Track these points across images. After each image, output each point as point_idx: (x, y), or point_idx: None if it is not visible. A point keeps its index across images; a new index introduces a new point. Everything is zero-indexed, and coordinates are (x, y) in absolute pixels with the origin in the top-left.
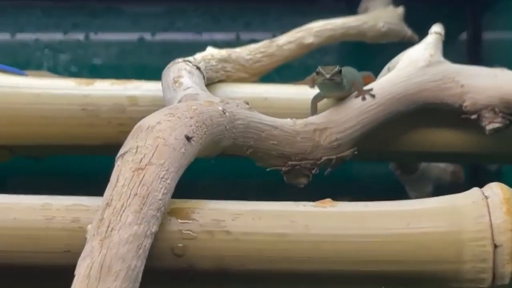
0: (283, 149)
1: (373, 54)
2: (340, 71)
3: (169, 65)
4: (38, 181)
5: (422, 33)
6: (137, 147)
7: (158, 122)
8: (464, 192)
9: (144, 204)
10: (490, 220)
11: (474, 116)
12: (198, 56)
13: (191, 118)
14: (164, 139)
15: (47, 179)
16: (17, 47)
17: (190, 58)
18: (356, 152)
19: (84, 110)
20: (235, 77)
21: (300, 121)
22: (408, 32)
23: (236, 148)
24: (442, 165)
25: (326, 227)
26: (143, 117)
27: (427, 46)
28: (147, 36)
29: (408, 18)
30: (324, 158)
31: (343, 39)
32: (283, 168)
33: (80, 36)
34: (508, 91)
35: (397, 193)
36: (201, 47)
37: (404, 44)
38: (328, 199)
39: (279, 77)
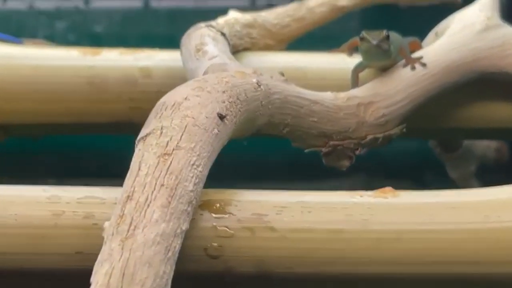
0: (324, 127)
1: (404, 20)
2: (388, 37)
3: (189, 31)
4: (37, 163)
5: None
6: (161, 128)
7: (186, 98)
8: None
9: (172, 197)
10: None
11: None
12: (221, 20)
13: (224, 92)
14: (193, 118)
15: (47, 162)
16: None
17: (213, 23)
18: (404, 130)
19: (90, 84)
20: (261, 44)
21: (342, 95)
22: None
23: (272, 127)
24: (485, 141)
25: (388, 221)
26: (157, 91)
27: (483, 7)
28: (154, 2)
29: None
30: (369, 137)
31: (379, 2)
32: (323, 149)
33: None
34: None
35: (436, 172)
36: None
37: (442, 9)
38: (389, 188)
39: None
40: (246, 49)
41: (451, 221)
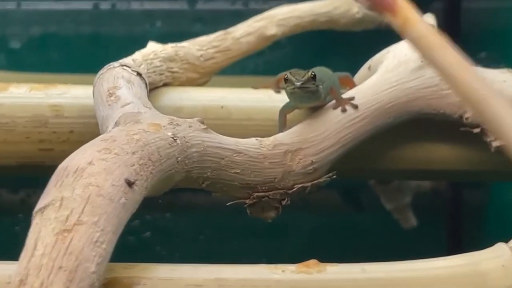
0: (248, 178)
1: (337, 44)
2: (314, 77)
3: (102, 71)
4: None
5: None
6: (61, 199)
7: (90, 162)
8: (489, 249)
9: (71, 281)
10: None
11: (476, 130)
12: (138, 55)
13: (133, 154)
14: (98, 186)
15: None
16: None
17: (129, 61)
18: (334, 176)
19: None
20: (184, 78)
21: (267, 141)
22: None
23: (189, 182)
24: None
25: None
26: (70, 131)
27: None
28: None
29: None
30: (297, 187)
31: (311, 28)
32: (247, 201)
33: None
34: None
35: (370, 204)
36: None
37: (380, 32)
38: (313, 261)
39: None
40: (166, 84)
41: None
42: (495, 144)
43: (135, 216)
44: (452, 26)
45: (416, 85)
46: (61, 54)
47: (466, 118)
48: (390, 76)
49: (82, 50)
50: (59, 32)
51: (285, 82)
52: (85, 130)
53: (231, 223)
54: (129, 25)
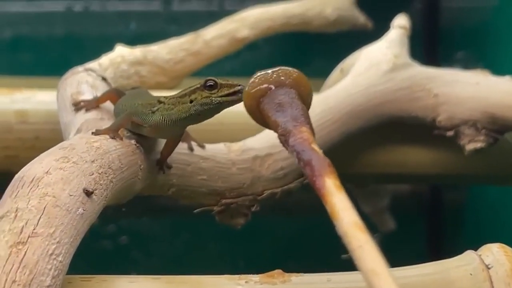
0: (215, 185)
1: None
2: None
3: (66, 75)
4: None
5: (375, 18)
6: (16, 210)
7: (47, 172)
8: (457, 258)
9: None
10: None
11: (450, 133)
12: (105, 59)
13: (93, 162)
14: (54, 197)
15: None
16: None
17: (94, 65)
18: (306, 181)
19: None
20: (152, 82)
21: (235, 146)
22: (360, 18)
23: (154, 189)
24: None
25: None
26: (35, 137)
27: (390, 44)
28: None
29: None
30: (266, 192)
31: (285, 30)
32: (215, 208)
33: None
34: (494, 103)
35: None
36: None
37: (356, 34)
38: (278, 271)
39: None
40: (135, 88)
41: None
42: (468, 147)
43: (111, 220)
44: (431, 26)
45: (387, 87)
46: (35, 56)
47: (439, 121)
48: (361, 79)
49: (55, 52)
50: (32, 34)
51: (210, 89)
52: (51, 136)
53: (208, 227)
54: (103, 27)
